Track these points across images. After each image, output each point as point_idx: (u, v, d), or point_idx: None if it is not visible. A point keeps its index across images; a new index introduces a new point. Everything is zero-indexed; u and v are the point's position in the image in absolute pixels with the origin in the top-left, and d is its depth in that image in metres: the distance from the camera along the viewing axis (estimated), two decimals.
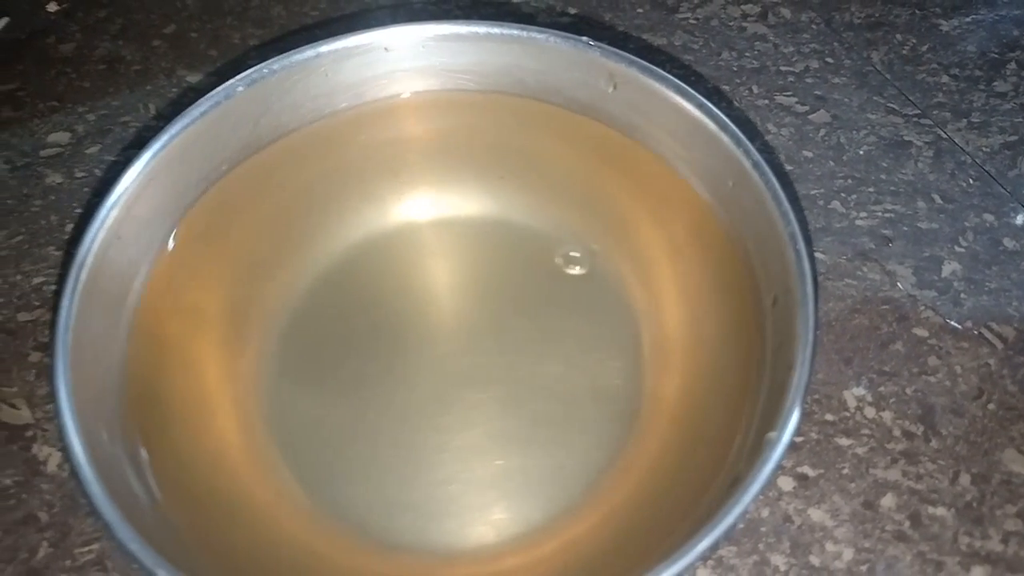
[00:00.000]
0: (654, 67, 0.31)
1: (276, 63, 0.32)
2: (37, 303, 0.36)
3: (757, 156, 0.28)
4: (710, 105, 0.30)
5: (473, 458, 0.29)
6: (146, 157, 0.29)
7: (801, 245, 0.26)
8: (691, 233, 0.31)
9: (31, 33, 0.46)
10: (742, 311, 0.28)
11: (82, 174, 0.40)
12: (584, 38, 0.32)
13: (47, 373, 0.34)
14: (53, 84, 0.44)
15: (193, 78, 0.44)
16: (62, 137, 0.42)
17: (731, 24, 0.45)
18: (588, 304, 0.31)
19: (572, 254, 0.32)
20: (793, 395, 0.24)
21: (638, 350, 0.30)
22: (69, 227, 0.39)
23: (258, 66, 0.31)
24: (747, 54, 0.44)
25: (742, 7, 0.46)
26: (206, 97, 0.31)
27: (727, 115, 0.29)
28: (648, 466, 0.28)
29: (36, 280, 0.37)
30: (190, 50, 0.45)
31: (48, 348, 0.35)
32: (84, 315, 0.27)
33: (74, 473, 0.24)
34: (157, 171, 0.30)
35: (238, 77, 0.31)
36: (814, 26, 0.45)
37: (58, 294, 0.36)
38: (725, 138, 0.29)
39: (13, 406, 0.34)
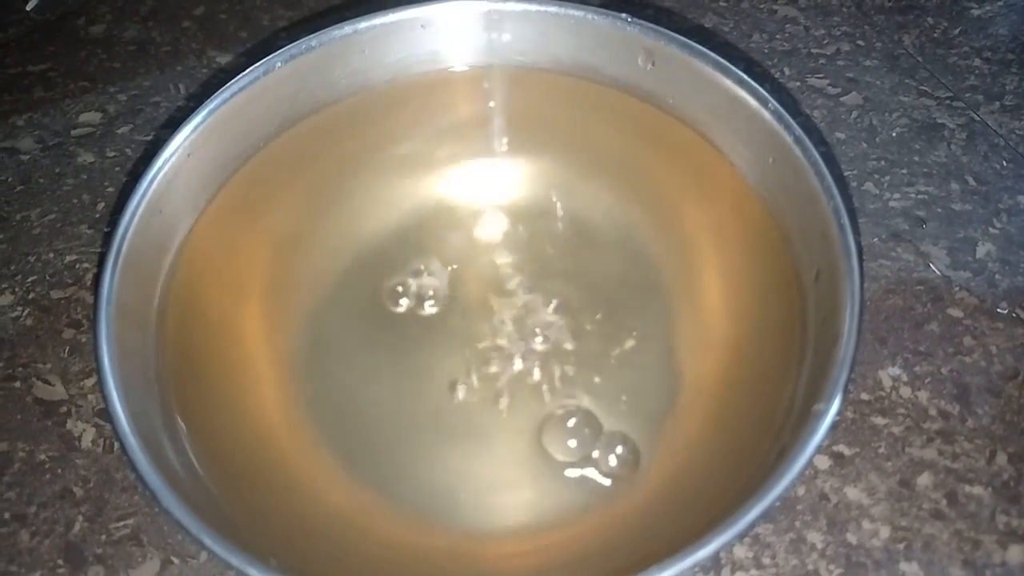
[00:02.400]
0: (693, 43, 0.31)
1: (314, 39, 0.32)
2: (70, 280, 0.37)
3: (799, 131, 0.28)
4: (750, 81, 0.29)
5: (511, 433, 0.29)
6: (186, 131, 0.29)
7: (845, 219, 0.26)
8: (731, 208, 0.31)
9: (62, 15, 0.46)
10: (783, 286, 0.28)
11: (113, 153, 0.40)
12: (623, 15, 0.32)
13: (80, 350, 0.35)
14: (84, 65, 0.44)
15: (223, 59, 0.44)
16: (93, 117, 0.42)
17: (761, 7, 0.45)
18: (626, 280, 0.31)
19: (609, 229, 0.32)
20: (840, 367, 0.23)
21: (677, 325, 0.30)
22: (101, 206, 0.39)
23: (297, 42, 0.31)
24: (778, 36, 0.43)
25: None
26: (245, 72, 0.31)
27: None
28: (688, 441, 0.28)
29: (69, 258, 0.37)
30: (219, 31, 0.45)
31: (81, 325, 0.35)
32: (124, 289, 0.27)
33: (120, 445, 0.24)
34: (196, 145, 0.30)
35: (277, 53, 0.31)
36: (844, 9, 0.45)
37: (96, 273, 0.36)
38: (766, 114, 0.29)
39: (47, 382, 0.34)
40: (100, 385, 0.24)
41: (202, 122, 0.30)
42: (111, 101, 0.42)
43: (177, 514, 0.23)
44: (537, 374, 0.30)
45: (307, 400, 0.29)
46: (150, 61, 0.44)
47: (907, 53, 0.43)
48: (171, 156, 0.29)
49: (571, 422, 0.29)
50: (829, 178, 0.27)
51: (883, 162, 0.38)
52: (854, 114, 0.40)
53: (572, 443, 0.28)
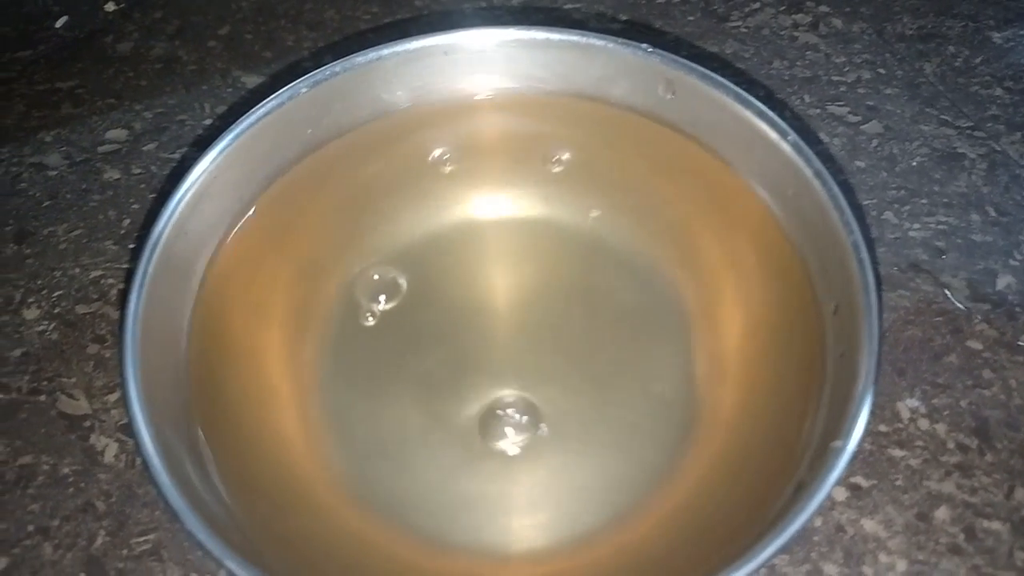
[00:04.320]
0: (713, 74, 0.31)
1: (339, 65, 0.32)
2: (95, 296, 0.37)
3: (819, 164, 0.28)
4: (770, 113, 0.30)
5: (528, 459, 0.30)
6: (213, 154, 0.30)
7: (865, 254, 0.26)
8: (750, 239, 0.31)
9: (90, 32, 0.47)
10: (802, 319, 0.28)
11: (139, 171, 0.41)
12: (644, 45, 0.32)
13: (104, 365, 0.35)
14: (111, 82, 0.45)
15: (248, 79, 0.44)
16: (120, 134, 0.43)
17: (782, 33, 0.45)
18: (644, 308, 0.32)
19: (628, 255, 0.33)
20: (858, 404, 0.23)
21: (694, 355, 0.30)
22: (126, 222, 0.39)
23: (321, 68, 0.32)
24: (798, 63, 0.44)
25: (793, 16, 0.46)
26: (271, 97, 0.31)
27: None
28: (704, 473, 0.28)
29: (94, 273, 0.38)
30: (245, 51, 0.46)
31: (106, 341, 0.36)
32: (150, 310, 0.27)
33: (143, 462, 0.24)
34: (222, 168, 0.30)
35: (302, 79, 0.32)
36: (865, 36, 0.45)
37: (122, 289, 0.37)
38: (786, 146, 0.29)
39: (72, 396, 0.34)
40: (125, 405, 0.25)
41: (228, 145, 0.30)
42: (137, 119, 0.43)
43: (200, 536, 0.23)
44: (554, 400, 0.30)
45: (328, 421, 0.30)
46: (176, 79, 0.45)
47: (928, 81, 0.43)
48: (198, 178, 0.29)
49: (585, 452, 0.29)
50: (849, 212, 0.27)
51: (903, 191, 0.38)
52: (874, 143, 0.40)
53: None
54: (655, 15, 0.46)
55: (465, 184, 0.34)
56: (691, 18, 0.46)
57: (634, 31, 0.45)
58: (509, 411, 0.30)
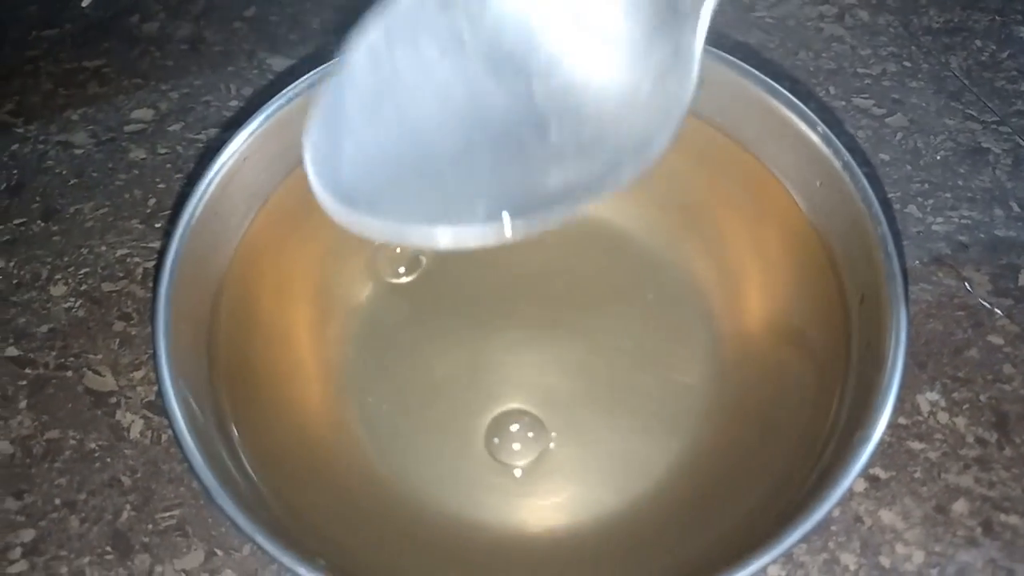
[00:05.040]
0: (741, 63, 0.31)
1: None
2: (121, 274, 0.37)
3: (847, 156, 0.29)
4: (799, 103, 0.30)
5: (549, 443, 0.30)
6: (243, 136, 0.30)
7: (891, 246, 0.26)
8: (776, 229, 0.31)
9: (116, 12, 0.47)
10: (827, 308, 0.28)
11: (164, 150, 0.41)
12: None
13: (130, 342, 0.36)
14: (137, 62, 0.45)
15: (273, 61, 0.44)
16: (146, 114, 0.43)
17: (808, 24, 0.45)
18: (668, 296, 0.32)
19: (651, 246, 0.33)
20: (884, 395, 0.24)
21: (719, 343, 0.30)
22: (152, 202, 0.40)
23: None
24: (824, 55, 0.43)
25: (819, 7, 0.46)
26: (300, 80, 0.31)
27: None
28: (725, 458, 0.28)
29: (120, 252, 0.38)
30: (270, 33, 0.46)
31: (131, 319, 0.36)
32: (180, 291, 0.28)
33: (174, 437, 0.24)
34: (252, 150, 0.30)
35: (330, 63, 0.32)
36: (891, 29, 0.45)
37: (148, 268, 0.37)
38: (814, 137, 0.29)
39: (98, 373, 0.35)
40: (160, 389, 0.25)
41: (259, 127, 0.30)
42: (163, 99, 0.43)
43: (229, 511, 0.23)
44: (576, 385, 0.30)
45: (353, 402, 0.30)
46: (202, 60, 0.45)
47: (953, 75, 0.43)
48: (228, 160, 0.30)
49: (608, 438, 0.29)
50: (876, 205, 0.27)
51: (927, 185, 0.38)
52: (899, 135, 0.40)
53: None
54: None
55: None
56: (716, 7, 0.46)
57: None
58: (530, 397, 0.30)
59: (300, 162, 0.32)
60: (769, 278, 0.31)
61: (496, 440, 0.30)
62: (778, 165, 0.31)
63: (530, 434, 0.30)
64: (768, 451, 0.27)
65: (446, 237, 0.21)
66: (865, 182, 0.28)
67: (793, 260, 0.30)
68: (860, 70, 0.43)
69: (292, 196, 0.32)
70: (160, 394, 0.26)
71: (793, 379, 0.28)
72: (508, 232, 0.21)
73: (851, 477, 0.22)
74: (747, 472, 0.27)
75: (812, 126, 0.29)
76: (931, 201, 0.38)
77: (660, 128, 0.22)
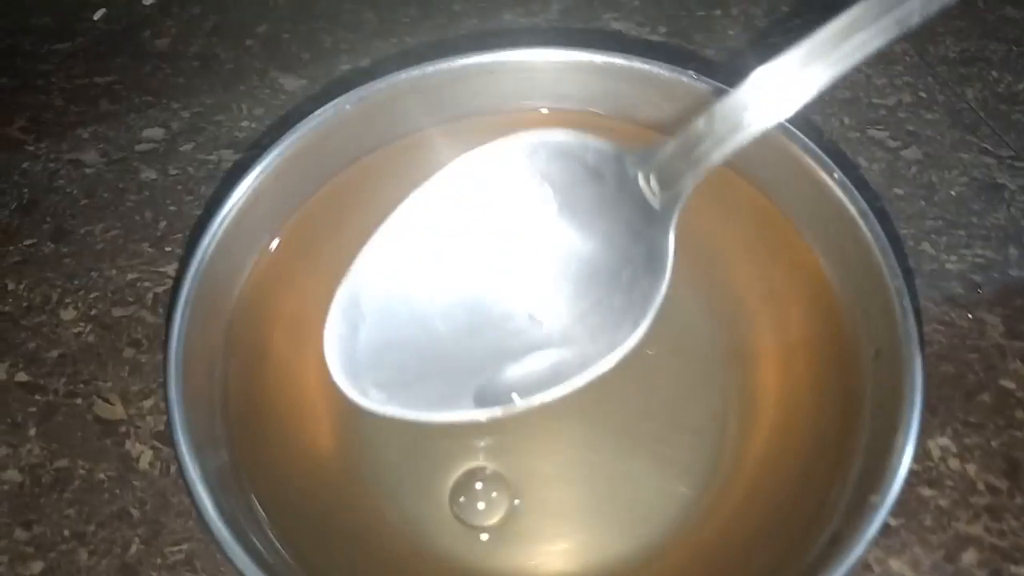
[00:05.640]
0: None
1: (383, 82, 0.32)
2: (131, 299, 0.37)
3: (864, 205, 0.28)
4: (816, 149, 0.29)
5: (553, 486, 0.30)
6: (256, 172, 0.30)
7: (907, 301, 0.26)
8: (788, 273, 0.31)
9: (128, 26, 0.47)
10: (839, 360, 0.28)
11: (175, 171, 0.41)
12: (689, 71, 0.32)
13: (139, 370, 0.36)
14: (149, 79, 0.45)
15: (285, 80, 0.44)
16: (157, 133, 0.43)
17: None
18: (675, 340, 0.31)
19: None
20: (897, 458, 0.24)
21: (726, 392, 0.30)
22: (162, 224, 0.40)
23: (365, 85, 0.32)
24: (838, 83, 0.43)
25: None
26: (313, 115, 0.31)
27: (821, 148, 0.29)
28: (732, 512, 0.28)
29: (130, 276, 0.38)
30: (282, 51, 0.46)
31: (141, 345, 0.36)
32: (193, 326, 0.28)
33: (188, 492, 0.24)
34: (264, 187, 0.30)
35: (346, 95, 0.31)
36: (907, 57, 0.44)
37: (158, 293, 0.37)
38: (831, 183, 0.29)
39: (107, 401, 0.35)
40: (170, 432, 0.25)
41: (269, 165, 0.30)
42: (174, 118, 0.43)
43: (241, 566, 0.23)
44: (580, 430, 0.30)
45: (363, 441, 0.30)
46: (213, 78, 0.45)
47: (969, 107, 0.42)
48: (240, 197, 0.30)
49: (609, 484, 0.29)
50: (893, 256, 0.27)
51: (940, 222, 0.38)
52: (913, 169, 0.40)
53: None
54: (695, 29, 0.46)
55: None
56: (731, 32, 0.46)
57: (672, 44, 0.45)
58: (534, 439, 0.30)
59: (315, 191, 0.33)
60: (779, 323, 0.30)
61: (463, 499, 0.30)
62: (791, 207, 0.31)
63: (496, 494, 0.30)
64: (777, 506, 0.27)
65: (448, 419, 0.26)
66: (882, 232, 0.27)
67: (805, 307, 0.30)
68: (875, 100, 0.43)
69: (306, 226, 0.32)
70: (169, 430, 0.25)
71: (803, 432, 0.28)
72: (505, 412, 0.26)
73: (863, 545, 0.22)
74: (754, 525, 0.27)
75: (829, 171, 0.29)
76: (945, 239, 0.38)
77: (637, 318, 0.26)
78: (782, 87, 0.25)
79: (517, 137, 0.28)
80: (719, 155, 0.24)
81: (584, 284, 0.28)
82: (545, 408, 0.30)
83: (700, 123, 0.25)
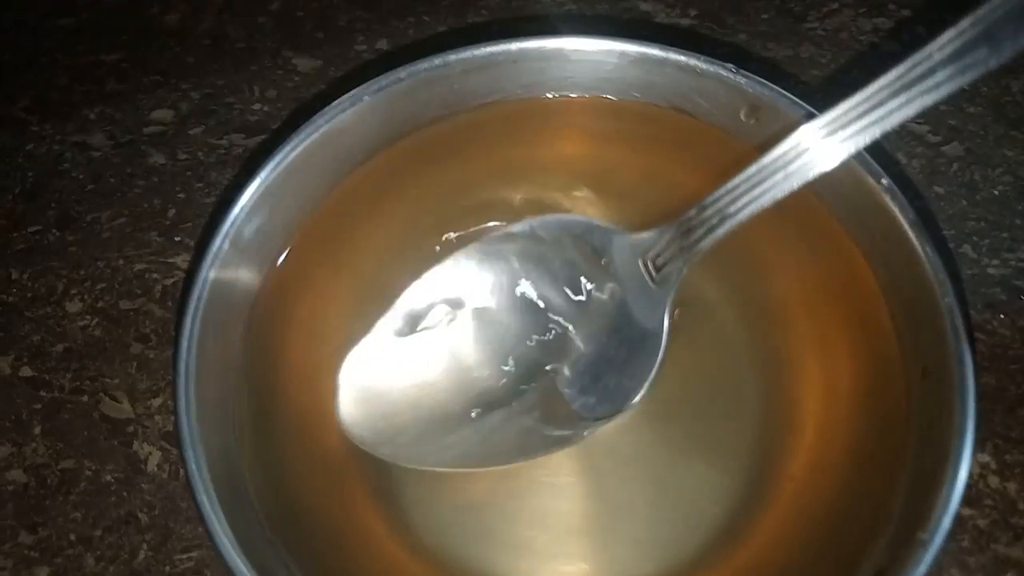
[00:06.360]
0: (802, 103, 0.29)
1: (403, 71, 0.30)
2: (139, 291, 0.36)
3: (914, 215, 0.27)
4: (867, 155, 0.28)
5: (582, 506, 0.29)
6: (269, 167, 0.28)
7: (959, 319, 0.25)
8: (832, 281, 0.29)
9: (135, 1, 0.45)
10: (884, 377, 0.27)
11: (185, 156, 0.40)
12: (729, 65, 0.30)
13: (147, 366, 0.34)
14: (157, 57, 0.43)
15: (299, 60, 0.42)
16: (165, 115, 0.41)
17: (861, 39, 0.42)
18: (710, 351, 0.30)
19: (697, 291, 0.31)
20: (948, 491, 0.22)
21: (763, 408, 0.29)
22: (171, 212, 0.38)
23: (384, 75, 0.30)
24: (878, 74, 0.41)
25: (874, 20, 0.43)
26: (329, 108, 0.29)
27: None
28: (767, 539, 0.26)
29: (138, 266, 0.37)
30: (295, 30, 0.44)
31: (149, 340, 0.35)
32: (204, 333, 0.26)
33: (197, 509, 0.23)
34: (276, 185, 0.29)
35: (363, 86, 0.30)
36: None
37: (167, 285, 0.36)
38: (879, 190, 0.27)
39: (115, 399, 0.34)
40: (182, 458, 0.24)
41: (282, 160, 0.29)
42: (184, 99, 0.42)
43: None
44: (611, 446, 0.29)
45: (380, 460, 0.29)
46: (224, 57, 0.43)
47: (1014, 101, 0.40)
48: (253, 193, 0.28)
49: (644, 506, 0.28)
50: (943, 270, 0.26)
51: (983, 223, 0.37)
52: (954, 166, 0.38)
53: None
54: (727, 11, 0.44)
55: (527, 198, 0.33)
56: (765, 16, 0.44)
57: (704, 27, 0.43)
58: (561, 457, 0.29)
59: (332, 188, 0.31)
60: (822, 333, 0.29)
61: None
62: (835, 210, 0.29)
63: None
64: (817, 532, 0.26)
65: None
66: (931, 244, 0.26)
67: (849, 314, 0.29)
68: None
69: (323, 225, 0.31)
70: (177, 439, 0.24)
71: (844, 454, 0.27)
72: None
73: None
74: (792, 555, 0.26)
75: (876, 177, 0.28)
76: (987, 241, 0.36)
77: (635, 385, 0.28)
78: (774, 173, 0.25)
79: (506, 234, 0.30)
80: (710, 242, 0.26)
81: (582, 367, 0.29)
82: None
83: (692, 213, 0.26)
